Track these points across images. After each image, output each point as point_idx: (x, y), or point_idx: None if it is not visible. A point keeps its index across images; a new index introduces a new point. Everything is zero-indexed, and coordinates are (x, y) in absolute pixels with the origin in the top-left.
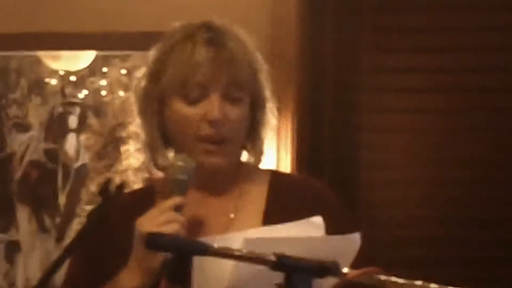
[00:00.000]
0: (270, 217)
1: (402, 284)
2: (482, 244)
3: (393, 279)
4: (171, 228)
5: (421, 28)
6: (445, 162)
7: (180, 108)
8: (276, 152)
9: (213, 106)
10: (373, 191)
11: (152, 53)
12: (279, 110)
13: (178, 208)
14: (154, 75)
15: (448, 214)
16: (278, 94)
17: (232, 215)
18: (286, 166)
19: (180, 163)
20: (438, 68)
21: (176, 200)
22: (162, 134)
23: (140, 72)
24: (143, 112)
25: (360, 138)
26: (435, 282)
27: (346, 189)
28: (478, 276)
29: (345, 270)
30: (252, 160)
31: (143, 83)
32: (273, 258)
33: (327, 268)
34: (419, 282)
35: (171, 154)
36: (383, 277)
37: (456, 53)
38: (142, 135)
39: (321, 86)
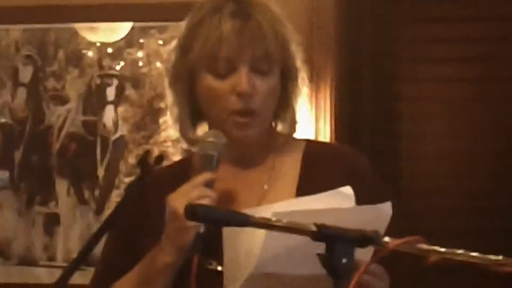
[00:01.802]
0: (304, 187)
1: (443, 253)
2: None
3: (435, 248)
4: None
5: None
6: (485, 132)
7: (210, 82)
8: (315, 123)
9: (241, 79)
10: (413, 162)
11: (182, 26)
12: (318, 81)
13: (209, 184)
14: (184, 49)
15: (489, 185)
16: (317, 65)
17: (266, 186)
18: (325, 137)
19: (210, 139)
20: (478, 37)
21: (206, 175)
22: (194, 107)
23: (172, 45)
24: (173, 86)
25: (400, 108)
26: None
27: (386, 159)
28: None
29: (386, 239)
30: (285, 130)
31: (173, 57)
32: (314, 228)
33: (369, 238)
34: (460, 251)
35: (203, 128)
36: (424, 246)
37: (495, 22)
38: (173, 108)
39: (360, 57)
